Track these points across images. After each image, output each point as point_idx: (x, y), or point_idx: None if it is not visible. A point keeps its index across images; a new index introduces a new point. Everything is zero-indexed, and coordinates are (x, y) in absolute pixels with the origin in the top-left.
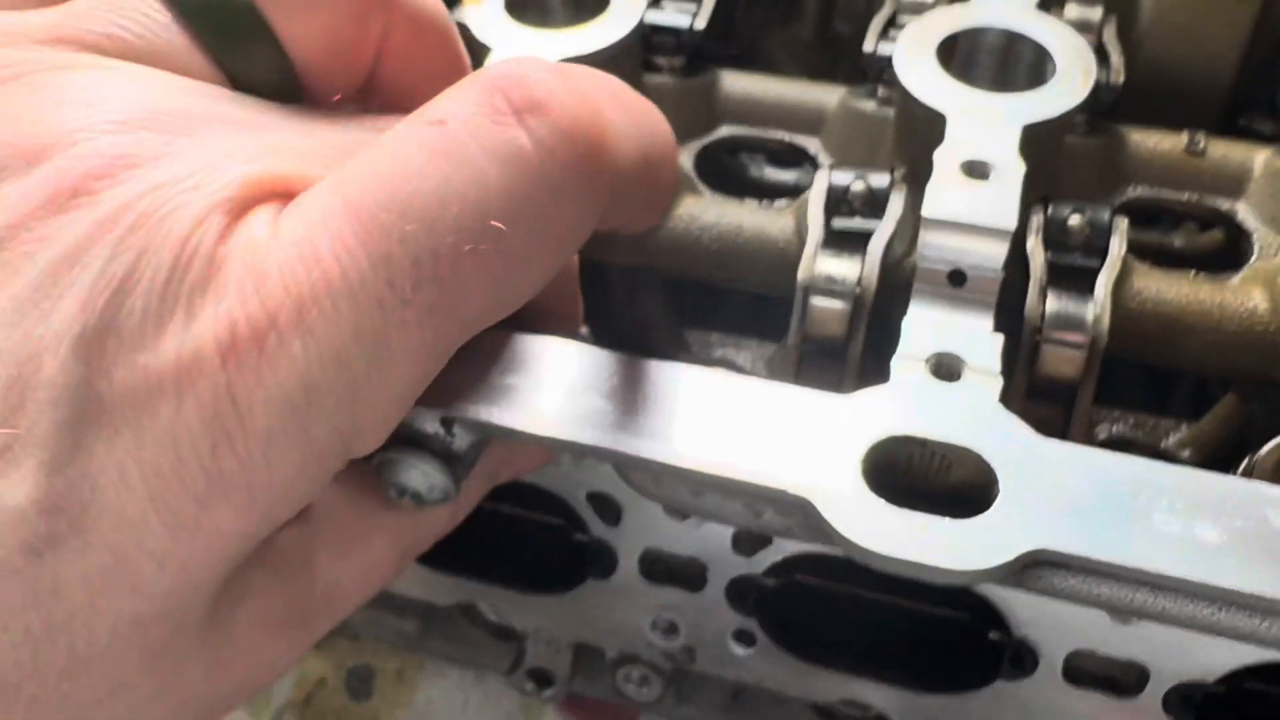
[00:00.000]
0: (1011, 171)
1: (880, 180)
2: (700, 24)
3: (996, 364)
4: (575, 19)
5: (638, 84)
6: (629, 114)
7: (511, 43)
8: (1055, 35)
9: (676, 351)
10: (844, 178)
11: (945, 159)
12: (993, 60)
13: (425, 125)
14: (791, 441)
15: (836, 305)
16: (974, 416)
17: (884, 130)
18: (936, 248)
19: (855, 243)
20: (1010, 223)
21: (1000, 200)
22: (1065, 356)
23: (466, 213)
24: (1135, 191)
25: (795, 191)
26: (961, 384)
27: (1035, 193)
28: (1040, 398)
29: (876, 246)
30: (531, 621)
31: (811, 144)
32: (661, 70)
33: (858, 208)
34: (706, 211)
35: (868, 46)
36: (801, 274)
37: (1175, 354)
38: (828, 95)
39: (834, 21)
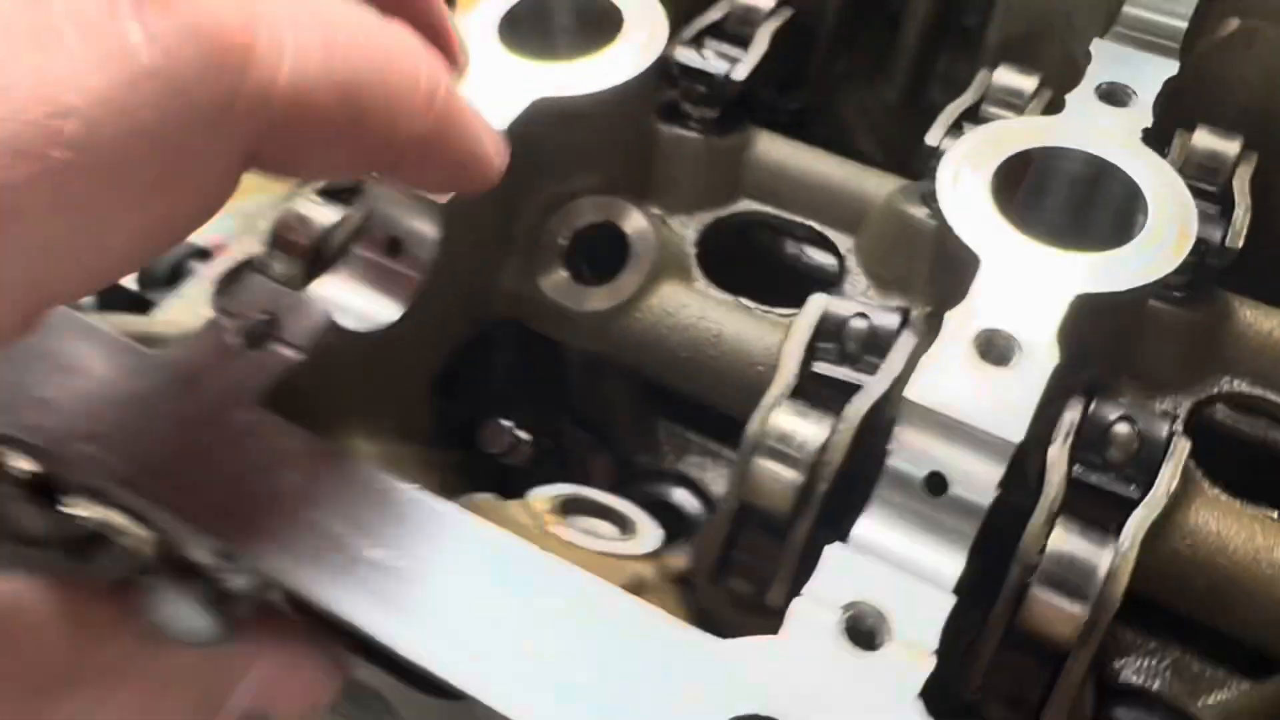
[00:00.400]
0: (1040, 360)
1: (888, 320)
2: (740, 74)
3: (935, 638)
4: (580, 41)
5: (648, 133)
6: (327, 32)
7: (497, 74)
8: (1154, 177)
9: (641, 450)
10: (843, 308)
11: (959, 323)
12: (1068, 195)
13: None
14: (632, 700)
15: (786, 475)
16: (879, 708)
17: (928, 249)
18: (913, 447)
19: (835, 396)
20: (1017, 433)
21: (1015, 398)
22: (1059, 614)
23: (36, 111)
24: (1232, 385)
25: (825, 284)
26: (880, 656)
27: (1082, 374)
28: (1019, 651)
29: (856, 410)
30: None
31: (843, 241)
32: (688, 121)
33: (851, 350)
34: (685, 307)
35: (931, 139)
36: (751, 426)
37: (1229, 620)
38: (876, 185)
39: (928, 88)
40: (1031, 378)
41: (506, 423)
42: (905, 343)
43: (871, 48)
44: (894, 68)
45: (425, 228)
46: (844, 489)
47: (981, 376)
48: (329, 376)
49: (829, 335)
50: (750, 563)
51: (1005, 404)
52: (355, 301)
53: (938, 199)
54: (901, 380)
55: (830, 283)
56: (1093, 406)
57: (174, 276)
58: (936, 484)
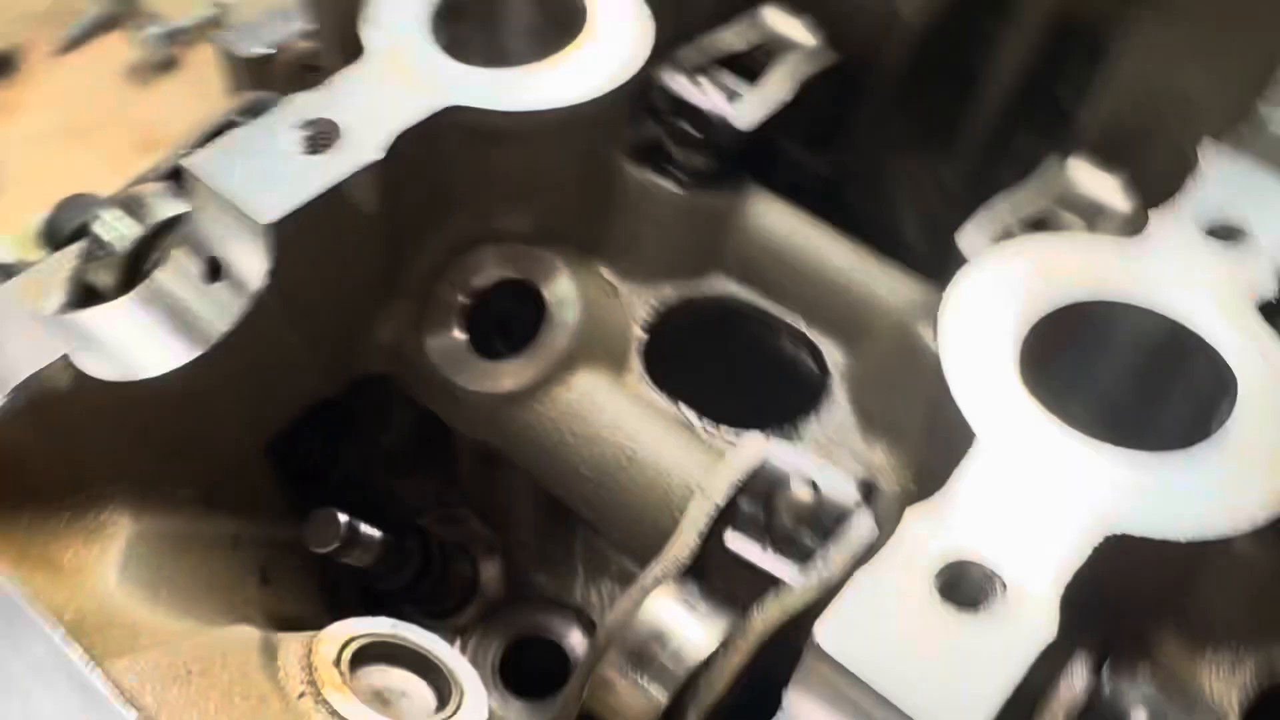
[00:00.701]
0: (1027, 619)
1: (841, 493)
2: (746, 121)
3: None
4: (533, 36)
5: (610, 173)
6: None
7: (408, 67)
8: (1259, 368)
9: (543, 565)
10: (787, 463)
11: (919, 538)
12: (1131, 362)
13: None
14: None
15: (642, 695)
16: None
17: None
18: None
19: (744, 586)
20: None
21: (977, 673)
22: None
23: None
24: None
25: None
26: None
27: (1094, 627)
28: None
29: (762, 624)
30: None
31: (834, 355)
32: (667, 167)
33: (782, 525)
34: (599, 411)
35: (964, 241)
36: (613, 612)
37: None
38: (891, 290)
39: (999, 170)
40: (1011, 642)
41: (342, 516)
42: (857, 533)
43: (936, 111)
44: (961, 139)
45: (249, 252)
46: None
47: (935, 626)
48: (56, 432)
49: (759, 497)
50: None
51: (960, 680)
52: (136, 335)
53: (939, 339)
54: (835, 590)
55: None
56: (1105, 683)
57: None
58: None
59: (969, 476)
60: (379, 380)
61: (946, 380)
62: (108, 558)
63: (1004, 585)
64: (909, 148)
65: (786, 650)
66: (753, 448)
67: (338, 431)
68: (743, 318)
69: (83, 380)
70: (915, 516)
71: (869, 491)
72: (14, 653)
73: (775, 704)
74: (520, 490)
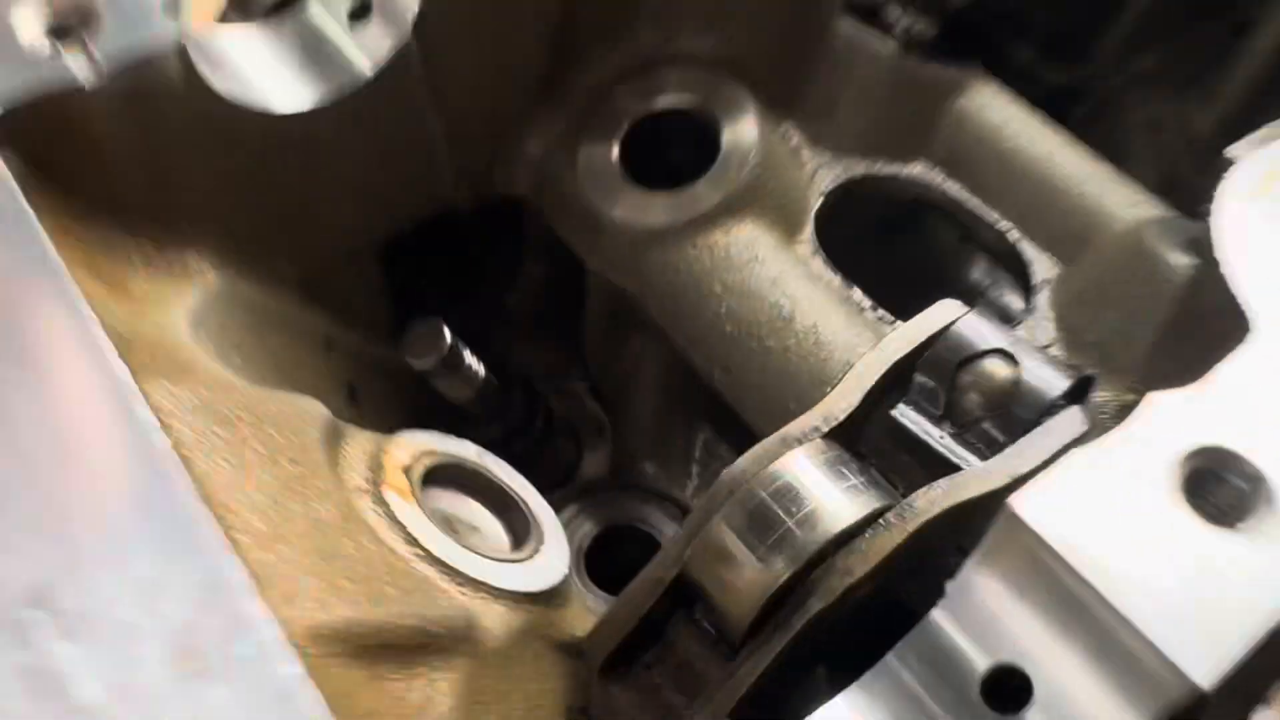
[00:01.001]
0: None
1: (1048, 381)
2: None
3: None
4: None
5: (819, 20)
6: None
7: None
8: None
9: (655, 454)
10: (982, 335)
11: (1167, 426)
12: None
13: None
14: None
15: (756, 562)
16: None
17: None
18: (988, 611)
19: (904, 467)
20: (1208, 674)
21: (1231, 599)
22: None
23: None
24: None
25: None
26: None
27: None
28: None
29: (930, 505)
30: None
31: (1044, 266)
32: (886, 25)
33: (966, 406)
34: (758, 263)
35: (1234, 149)
36: (738, 463)
37: None
38: (1124, 204)
39: (1257, 121)
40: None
41: (448, 332)
42: (1064, 427)
43: (1197, 51)
44: (1222, 86)
45: None
46: (853, 620)
47: (1179, 533)
48: (152, 132)
49: (938, 369)
50: (670, 662)
51: (1206, 599)
52: (268, 62)
53: (1212, 214)
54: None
55: (1005, 319)
56: None
57: None
58: (1004, 690)
59: (1239, 365)
60: (513, 232)
61: (1220, 257)
62: (183, 301)
63: (1272, 496)
64: (1159, 83)
65: (934, 570)
66: (944, 309)
67: (463, 283)
68: (940, 213)
69: (195, 83)
70: (1157, 401)
71: (1083, 388)
72: (39, 322)
73: (896, 633)
74: (647, 360)
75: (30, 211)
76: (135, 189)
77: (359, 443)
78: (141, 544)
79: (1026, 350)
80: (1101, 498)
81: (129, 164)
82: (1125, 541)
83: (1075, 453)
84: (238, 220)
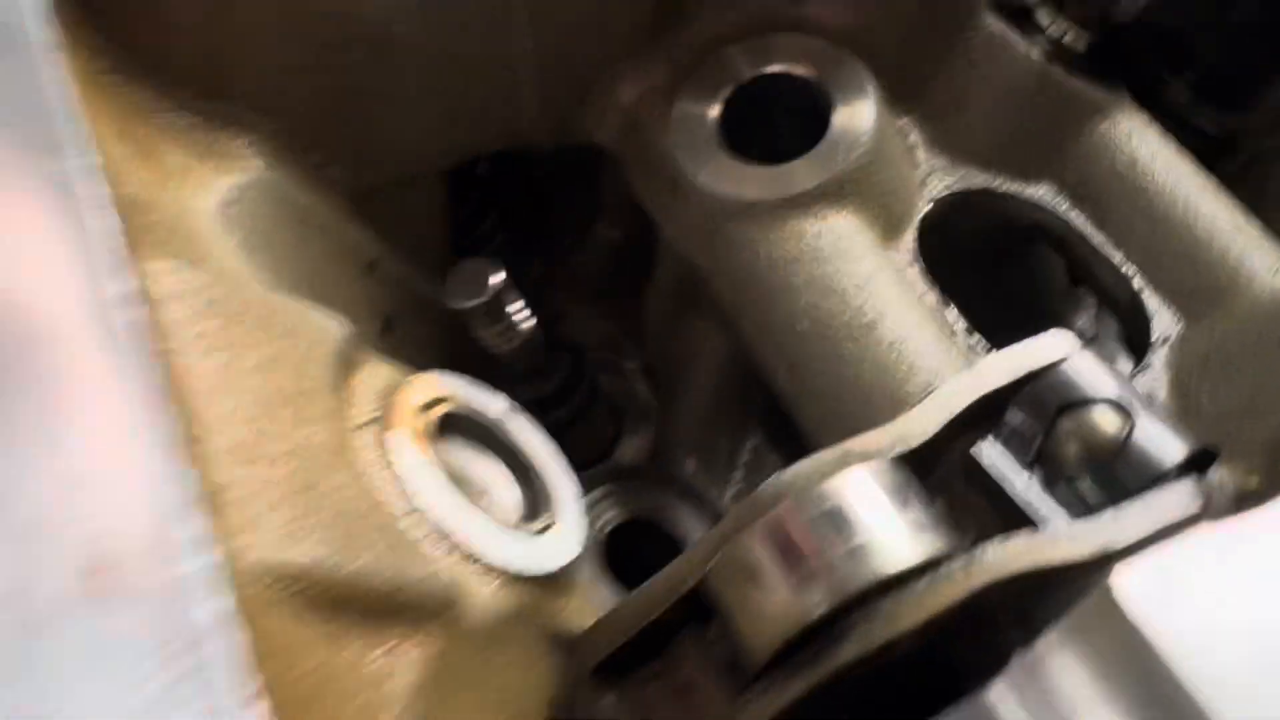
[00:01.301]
0: None
1: (1164, 447)
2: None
3: None
4: None
5: (963, 13)
6: None
7: None
8: None
9: (701, 450)
10: (1093, 381)
11: None
12: None
13: None
14: None
15: (786, 594)
16: None
17: None
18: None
19: (976, 511)
20: None
21: None
22: None
23: None
24: None
25: None
26: None
27: None
28: None
29: (1004, 560)
30: None
31: (1165, 322)
32: (1034, 31)
33: (1062, 456)
34: (849, 261)
35: None
36: (786, 472)
37: None
38: (1267, 264)
39: None
40: None
41: (498, 272)
42: (1173, 503)
43: None
44: None
45: None
46: (887, 674)
47: None
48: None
49: (1037, 409)
50: (671, 681)
51: None
52: None
53: None
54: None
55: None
56: None
57: None
58: None
59: None
60: (590, 187)
61: None
62: (217, 184)
63: None
64: None
65: (989, 633)
66: (1058, 340)
67: (529, 231)
68: (1054, 245)
69: None
70: None
71: (1203, 461)
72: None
73: (934, 697)
74: (707, 348)
75: (51, 43)
76: (188, 56)
77: (376, 373)
78: (80, 432)
79: (1144, 406)
80: (1227, 599)
81: (186, 27)
82: (1250, 658)
83: (1200, 535)
84: (294, 113)
